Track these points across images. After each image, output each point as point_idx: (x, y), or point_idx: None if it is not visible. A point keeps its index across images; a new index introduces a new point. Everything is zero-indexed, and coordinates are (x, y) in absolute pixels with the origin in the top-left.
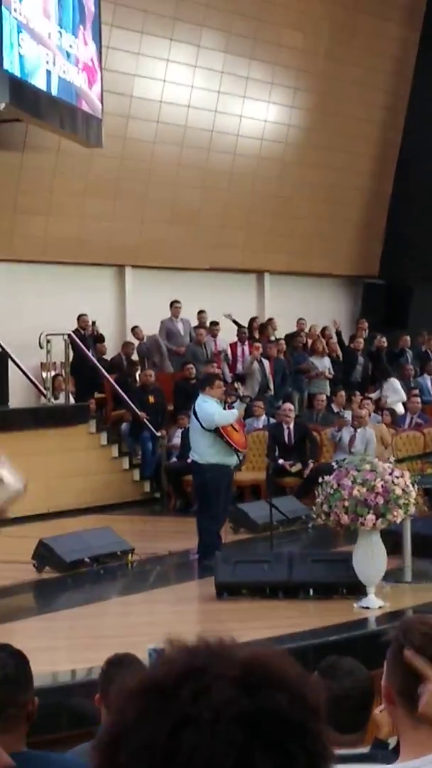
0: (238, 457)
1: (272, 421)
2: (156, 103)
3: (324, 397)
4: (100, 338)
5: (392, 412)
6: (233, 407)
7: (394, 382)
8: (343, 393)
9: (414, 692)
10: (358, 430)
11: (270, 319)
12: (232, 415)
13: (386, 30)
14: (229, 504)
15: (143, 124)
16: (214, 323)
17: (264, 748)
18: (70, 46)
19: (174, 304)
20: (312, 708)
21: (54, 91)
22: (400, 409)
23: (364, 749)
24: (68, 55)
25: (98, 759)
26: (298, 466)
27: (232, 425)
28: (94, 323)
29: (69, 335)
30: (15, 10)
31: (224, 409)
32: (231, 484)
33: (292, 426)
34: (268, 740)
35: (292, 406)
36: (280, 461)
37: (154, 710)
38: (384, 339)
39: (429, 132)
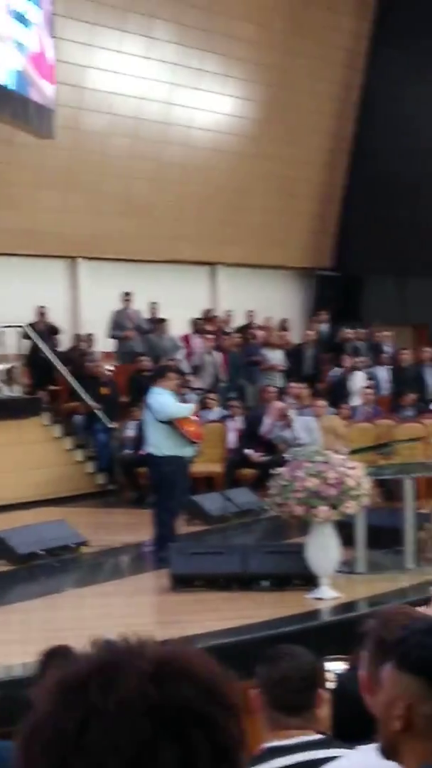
0: (194, 448)
1: (225, 412)
2: (109, 95)
3: (273, 388)
4: (54, 330)
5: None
6: (187, 400)
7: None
8: (294, 385)
9: None
10: (298, 418)
11: (209, 310)
12: (187, 409)
13: (338, 22)
14: (186, 496)
15: (96, 116)
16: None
17: (169, 738)
18: (22, 36)
19: (125, 296)
20: (220, 701)
21: (6, 82)
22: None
23: (316, 735)
24: (20, 45)
25: (18, 751)
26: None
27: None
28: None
29: (27, 327)
30: None
31: (179, 401)
32: (187, 475)
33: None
34: (173, 731)
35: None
36: (247, 451)
37: (65, 703)
38: (350, 331)
39: (381, 123)
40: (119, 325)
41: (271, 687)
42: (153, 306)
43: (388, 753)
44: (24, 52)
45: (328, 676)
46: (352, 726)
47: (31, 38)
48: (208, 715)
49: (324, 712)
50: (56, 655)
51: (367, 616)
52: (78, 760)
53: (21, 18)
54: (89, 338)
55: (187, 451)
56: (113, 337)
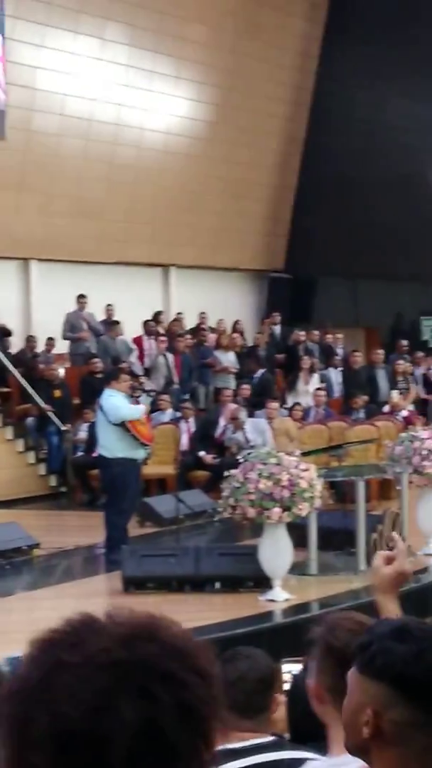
0: (146, 450)
1: (178, 414)
2: (60, 96)
3: (230, 391)
4: (6, 332)
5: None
6: (139, 401)
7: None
8: (246, 387)
9: (343, 688)
10: (249, 420)
11: (159, 312)
12: (138, 410)
13: (290, 25)
14: (137, 498)
15: (48, 117)
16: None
17: (130, 692)
18: None
19: (80, 299)
20: (188, 663)
21: None
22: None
23: (269, 737)
24: None
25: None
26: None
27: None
28: None
29: None
30: None
31: (131, 403)
32: (139, 477)
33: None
34: (136, 686)
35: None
36: (201, 453)
37: (36, 658)
38: (302, 333)
39: (332, 126)
40: (74, 326)
41: (225, 688)
42: (108, 308)
43: (356, 756)
44: None
45: (285, 677)
46: (306, 727)
47: None
48: (173, 673)
49: (280, 714)
50: None
51: (317, 619)
52: (40, 710)
53: None
54: (50, 341)
55: (138, 453)
56: (68, 338)
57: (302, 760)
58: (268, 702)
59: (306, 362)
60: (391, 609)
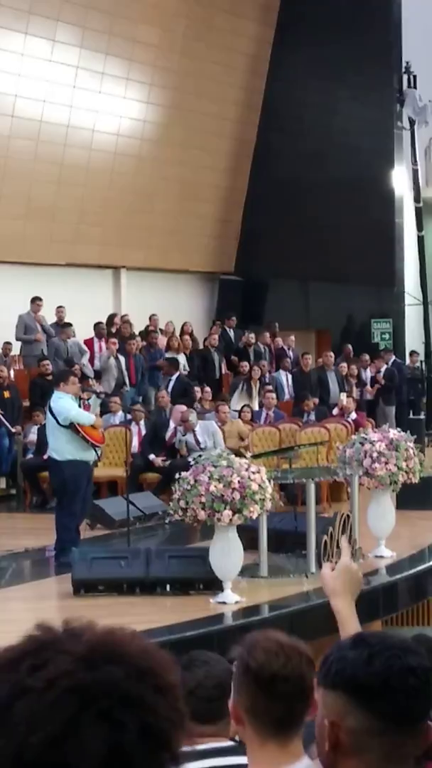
0: (96, 452)
1: (128, 417)
2: (11, 97)
3: (166, 392)
4: None
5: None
6: (89, 403)
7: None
8: (197, 389)
9: (262, 709)
10: (199, 422)
11: (113, 315)
12: (87, 417)
13: (241, 27)
14: (89, 500)
15: None
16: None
17: (94, 717)
18: None
19: (35, 301)
20: (152, 683)
21: None
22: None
23: (228, 741)
24: None
25: None
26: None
27: None
28: None
29: None
30: None
31: (80, 405)
32: (91, 479)
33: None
34: (100, 710)
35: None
36: (151, 456)
37: None
38: (252, 335)
39: (283, 128)
40: (28, 328)
41: (184, 695)
42: (59, 310)
43: None
44: None
45: None
46: None
47: None
48: (137, 695)
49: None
50: None
51: (268, 621)
52: (1, 737)
53: None
54: (6, 345)
55: (89, 455)
56: (21, 340)
57: None
58: (227, 707)
59: (255, 372)
60: (346, 613)
